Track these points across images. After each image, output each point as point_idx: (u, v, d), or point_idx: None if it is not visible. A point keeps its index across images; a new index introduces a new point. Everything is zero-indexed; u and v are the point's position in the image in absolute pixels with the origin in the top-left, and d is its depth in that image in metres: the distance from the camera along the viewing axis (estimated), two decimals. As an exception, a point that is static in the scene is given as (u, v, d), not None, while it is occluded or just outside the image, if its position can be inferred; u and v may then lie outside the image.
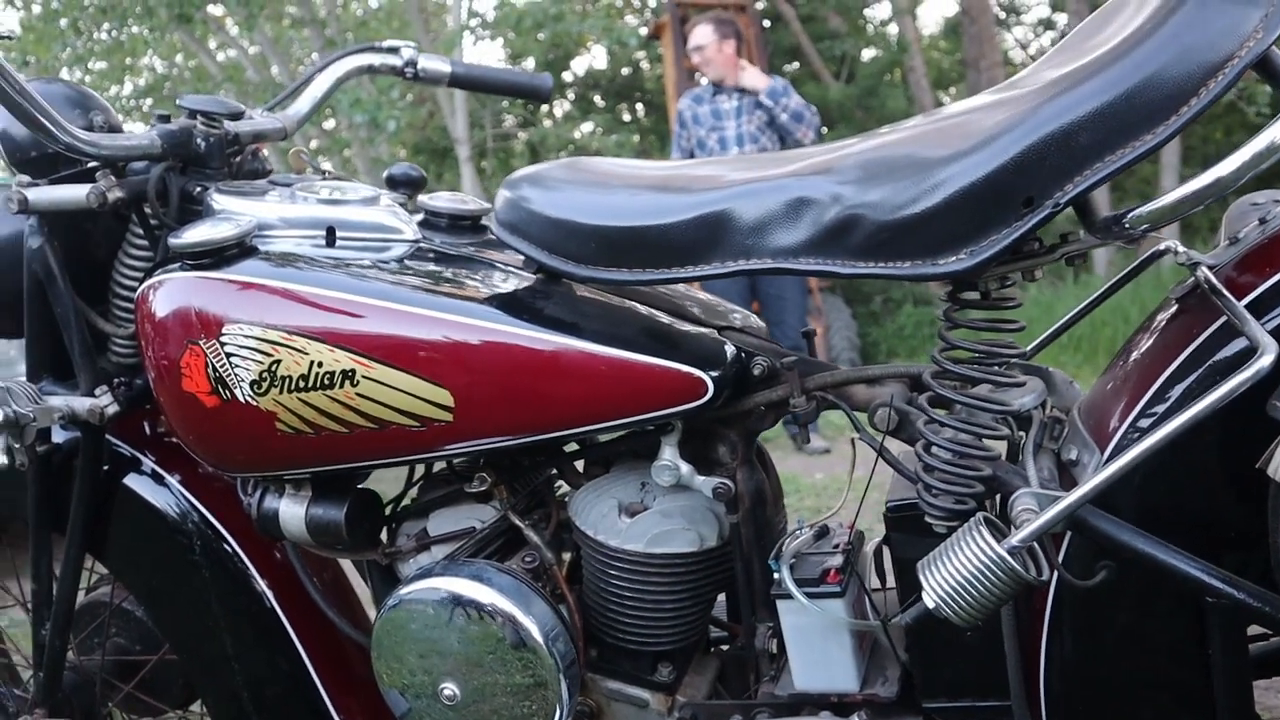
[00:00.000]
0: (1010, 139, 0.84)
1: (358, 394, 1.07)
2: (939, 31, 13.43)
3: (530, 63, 11.09)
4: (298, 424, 1.10)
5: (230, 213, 1.21)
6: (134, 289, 1.34)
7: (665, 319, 1.13)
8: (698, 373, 1.04)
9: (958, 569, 0.87)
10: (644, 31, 10.87)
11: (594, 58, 12.62)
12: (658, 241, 1.00)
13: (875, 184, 0.91)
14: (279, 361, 1.09)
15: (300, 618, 1.39)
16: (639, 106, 12.30)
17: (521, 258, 1.17)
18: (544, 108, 11.33)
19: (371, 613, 1.45)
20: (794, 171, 0.97)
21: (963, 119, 0.92)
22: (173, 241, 1.16)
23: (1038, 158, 0.83)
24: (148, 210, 1.29)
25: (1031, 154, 0.83)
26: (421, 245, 1.22)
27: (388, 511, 1.29)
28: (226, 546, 1.39)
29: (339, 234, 1.21)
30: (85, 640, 1.58)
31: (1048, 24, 13.24)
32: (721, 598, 1.32)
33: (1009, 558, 0.85)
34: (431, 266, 1.17)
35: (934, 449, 0.98)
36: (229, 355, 1.10)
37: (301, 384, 1.08)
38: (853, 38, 10.76)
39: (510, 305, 1.09)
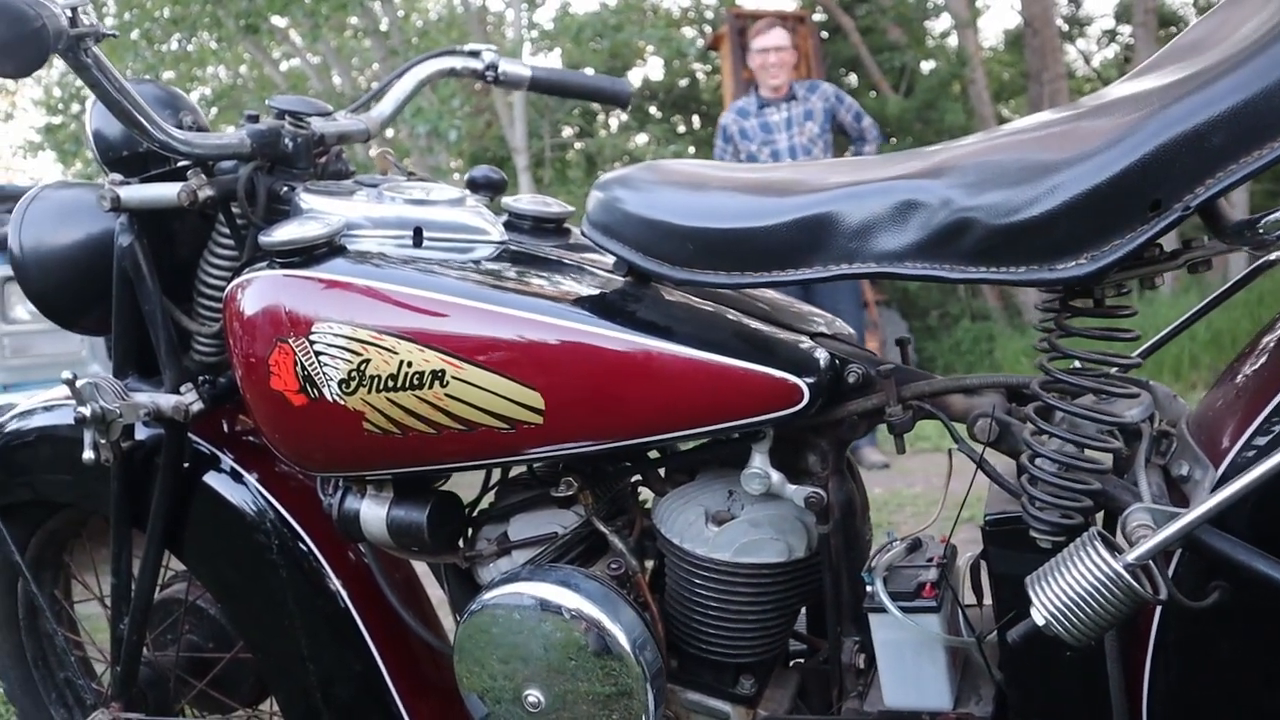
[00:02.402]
0: (1138, 139, 0.81)
1: (447, 395, 1.06)
2: (1000, 44, 13.29)
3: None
4: (385, 424, 1.09)
5: (318, 212, 1.21)
6: (219, 288, 1.35)
7: (757, 324, 1.11)
8: (793, 379, 1.02)
9: (1071, 585, 0.83)
10: (701, 43, 10.89)
11: (650, 69, 12.64)
12: (758, 244, 0.98)
13: (989, 186, 0.88)
14: (368, 361, 1.08)
15: (374, 619, 1.39)
16: (695, 118, 12.29)
17: (610, 261, 1.15)
18: (600, 118, 11.37)
19: (444, 618, 1.45)
20: (900, 174, 0.95)
21: (1079, 122, 0.89)
22: (263, 240, 1.16)
23: (1167, 159, 0.80)
24: (235, 209, 1.30)
25: (1160, 155, 0.80)
26: (508, 246, 1.21)
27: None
28: (303, 546, 1.39)
29: (426, 234, 1.20)
30: (159, 636, 1.59)
31: (1112, 36, 13.05)
32: (802, 611, 1.29)
33: (1126, 574, 0.82)
34: (520, 267, 1.16)
35: (1040, 461, 0.95)
36: (318, 354, 1.10)
37: (390, 384, 1.07)
38: (912, 50, 10.65)
39: (602, 307, 1.07)
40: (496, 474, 1.30)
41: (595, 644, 1.04)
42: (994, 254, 0.88)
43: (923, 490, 3.96)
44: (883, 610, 1.04)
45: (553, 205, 1.31)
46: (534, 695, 1.07)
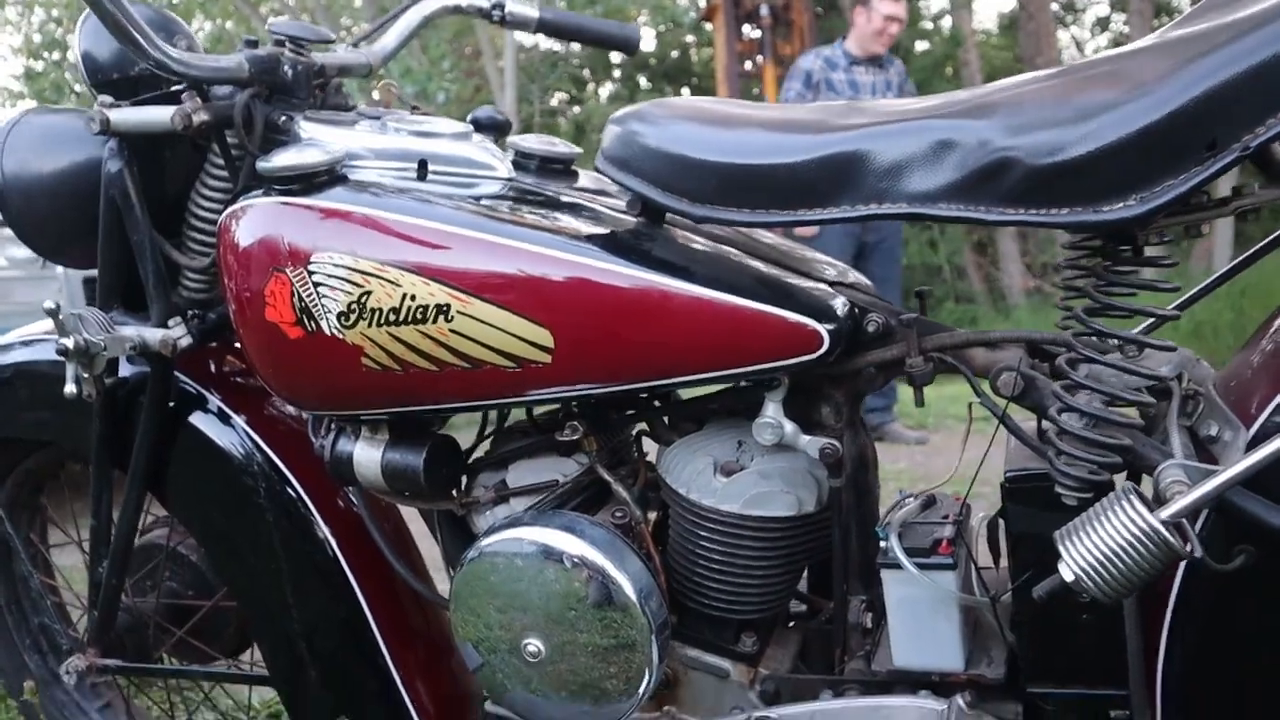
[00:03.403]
0: (1198, 74, 0.77)
1: (451, 330, 1.02)
2: (995, 27, 13.24)
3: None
4: (385, 359, 1.04)
5: (318, 141, 1.16)
6: (210, 219, 1.30)
7: (774, 268, 1.07)
8: (813, 324, 0.98)
9: (1103, 540, 0.80)
10: (694, 14, 10.79)
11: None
12: (784, 180, 0.94)
13: (1032, 126, 0.84)
14: (369, 293, 1.03)
15: (362, 568, 1.35)
16: (685, 90, 12.21)
17: (623, 200, 1.11)
18: (590, 86, 11.27)
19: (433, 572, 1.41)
20: (935, 113, 0.91)
21: (1128, 62, 0.85)
22: (261, 165, 1.11)
23: (1229, 95, 0.76)
24: (230, 138, 1.24)
25: (1222, 91, 0.76)
26: (516, 183, 1.16)
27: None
28: (291, 491, 1.34)
29: (430, 168, 1.15)
30: (139, 582, 1.54)
31: (1105, 24, 13.02)
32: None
33: (1163, 529, 0.78)
34: (530, 204, 1.11)
35: (1068, 415, 0.92)
36: (316, 285, 1.05)
37: (392, 317, 1.03)
38: (907, 29, 10.59)
39: (615, 245, 1.03)
40: (494, 420, 1.26)
41: (599, 593, 1.00)
42: (1035, 195, 0.84)
43: (944, 466, 3.96)
44: (897, 567, 1.01)
45: (559, 145, 1.26)
46: (533, 645, 1.03)
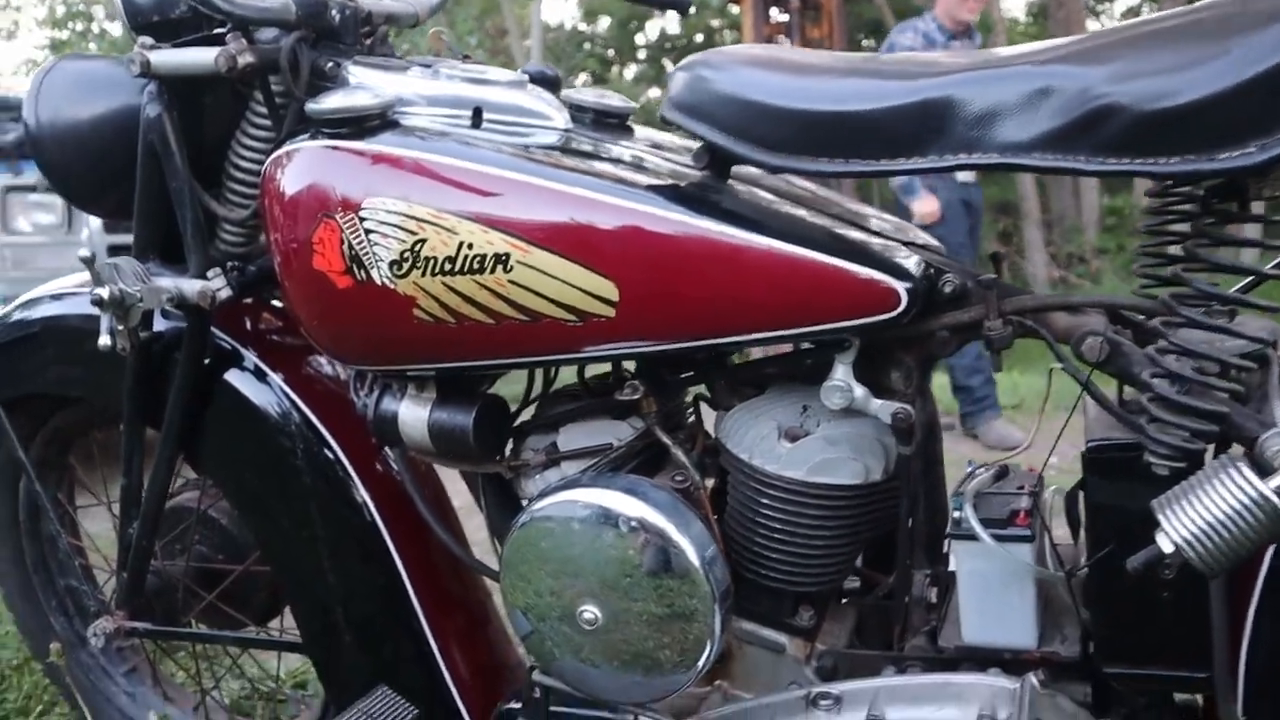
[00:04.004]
0: None
1: (510, 281, 0.97)
2: (1024, 14, 13.11)
3: (605, 22, 10.96)
4: (438, 311, 1.00)
5: (368, 85, 1.12)
6: (251, 169, 1.26)
7: (845, 225, 1.02)
8: (891, 282, 0.93)
9: (1208, 510, 0.76)
10: (721, -4, 10.69)
11: (668, 21, 12.45)
12: (867, 128, 0.89)
13: (1140, 72, 0.79)
14: (424, 241, 0.99)
15: (400, 533, 1.31)
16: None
17: (683, 156, 1.06)
18: (614, 69, 11.20)
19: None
20: (1031, 58, 0.86)
21: (1238, 8, 0.80)
22: (310, 108, 1.07)
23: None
24: (274, 84, 1.20)
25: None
26: (573, 134, 1.12)
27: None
28: (329, 452, 1.30)
29: (485, 116, 1.11)
30: (168, 545, 1.51)
31: (1134, 13, 12.88)
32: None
33: (1275, 498, 0.74)
34: (591, 153, 1.06)
35: (1161, 381, 0.87)
36: (367, 231, 1.01)
37: (447, 266, 0.98)
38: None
39: (684, 196, 0.98)
40: (544, 382, 1.22)
41: (661, 559, 0.96)
42: (1141, 143, 0.79)
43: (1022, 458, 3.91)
44: (971, 538, 0.96)
45: (614, 99, 1.21)
46: (589, 612, 0.99)
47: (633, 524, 0.96)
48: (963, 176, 4.07)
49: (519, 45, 8.65)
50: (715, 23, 12.15)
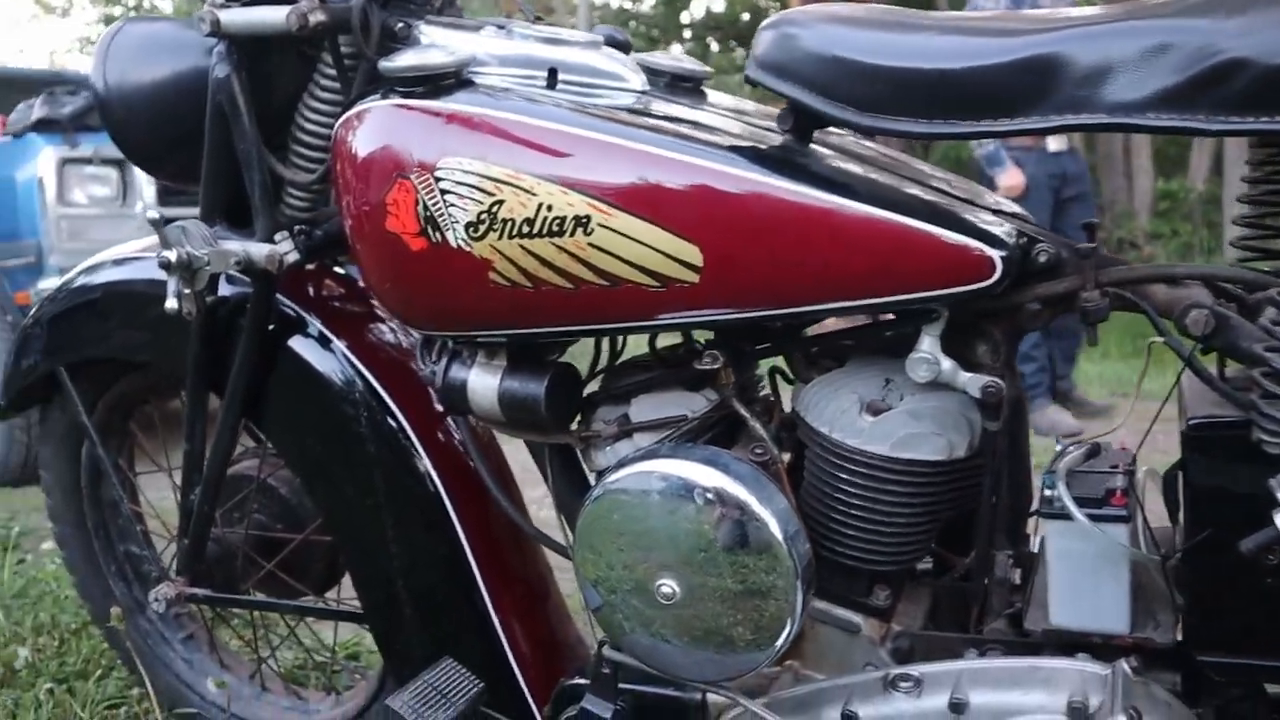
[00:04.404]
0: None
1: (590, 244, 0.94)
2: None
3: (649, 1, 10.87)
4: (515, 275, 0.98)
5: (441, 44, 1.09)
6: (318, 131, 1.24)
7: (933, 192, 0.98)
8: (985, 249, 0.90)
9: (1335, 490, 0.72)
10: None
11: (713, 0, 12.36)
12: (968, 88, 0.85)
13: (1265, 24, 0.75)
14: (501, 202, 0.96)
15: (463, 503, 1.29)
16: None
17: (763, 120, 1.03)
18: (659, 46, 11.11)
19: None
20: (1144, 13, 0.81)
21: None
22: (385, 65, 1.04)
23: None
24: (343, 44, 1.18)
25: None
26: (650, 96, 1.09)
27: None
28: (393, 421, 1.29)
29: (560, 76, 1.08)
30: (227, 513, 1.50)
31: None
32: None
33: (1407, 480, 0.70)
34: (670, 115, 1.03)
35: (1275, 355, 0.83)
36: (444, 192, 0.98)
37: (526, 229, 0.96)
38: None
39: (771, 159, 0.95)
40: (613, 353, 1.19)
41: (742, 532, 0.93)
42: (1268, 101, 0.75)
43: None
44: (1064, 517, 0.92)
45: (688, 63, 1.18)
46: (666, 586, 0.96)
47: (713, 496, 0.93)
48: (1054, 145, 3.91)
49: (566, 24, 8.60)
50: (763, 2, 12.03)
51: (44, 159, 3.89)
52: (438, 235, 0.99)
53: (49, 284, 3.80)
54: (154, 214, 1.20)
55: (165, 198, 4.07)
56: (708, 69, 1.20)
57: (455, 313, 1.04)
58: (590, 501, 0.99)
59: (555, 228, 0.95)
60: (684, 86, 1.16)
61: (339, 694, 1.62)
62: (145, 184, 4.05)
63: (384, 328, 1.38)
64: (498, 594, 1.29)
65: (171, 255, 1.20)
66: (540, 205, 0.95)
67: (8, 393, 1.61)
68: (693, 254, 0.92)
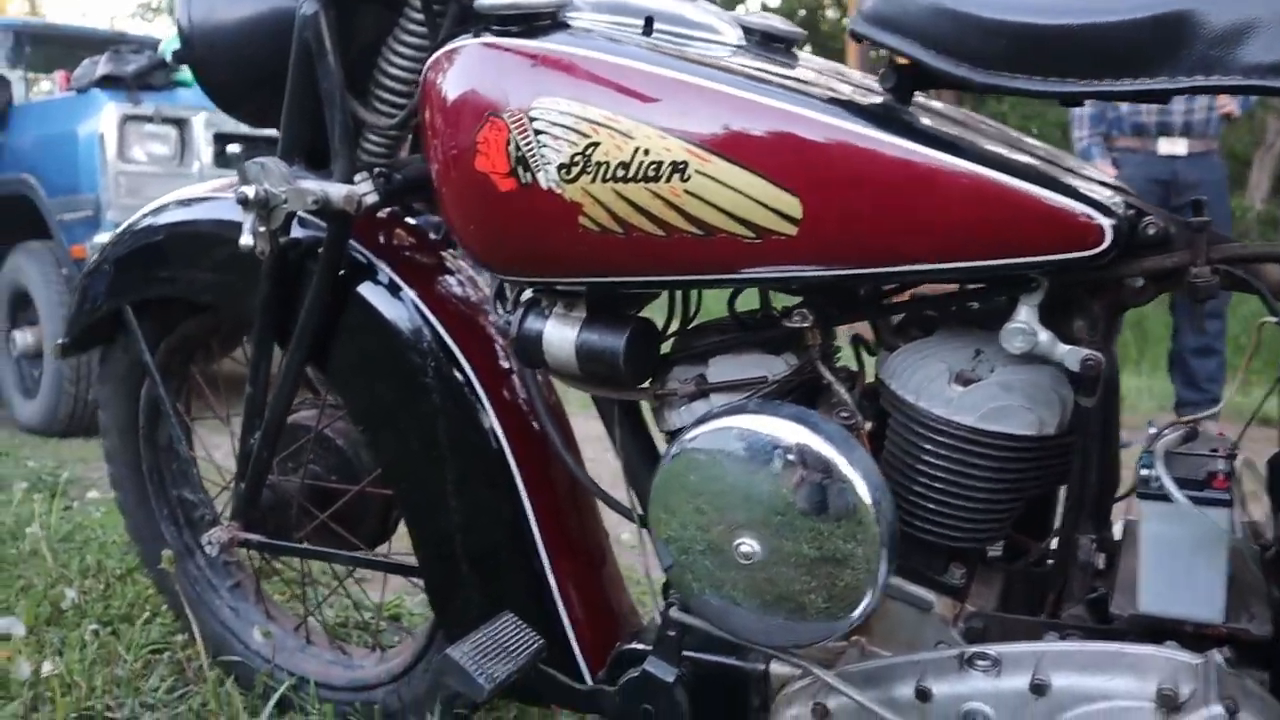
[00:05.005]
0: None
1: (686, 190, 0.92)
2: None
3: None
4: (606, 220, 0.95)
5: None
6: (401, 74, 1.23)
7: (1038, 158, 0.95)
8: (1096, 216, 0.86)
9: None
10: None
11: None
12: (1094, 43, 0.82)
13: None
14: (597, 145, 0.94)
15: (525, 462, 1.27)
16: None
17: (861, 79, 1.00)
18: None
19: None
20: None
21: None
22: (481, 3, 1.02)
23: None
24: None
25: None
26: (746, 51, 1.06)
27: None
28: (458, 373, 1.27)
29: (656, 25, 1.05)
30: (282, 462, 1.50)
31: None
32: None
33: None
34: (769, 68, 1.00)
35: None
36: (537, 133, 0.96)
37: (620, 173, 0.93)
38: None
39: (874, 115, 0.92)
40: (680, 313, 1.17)
41: (828, 494, 0.90)
42: None
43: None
44: (1162, 499, 0.89)
45: (780, 22, 1.15)
46: (746, 546, 0.93)
47: (801, 454, 0.90)
48: (1165, 148, 3.78)
49: None
50: (818, -1, 11.96)
51: (106, 115, 3.92)
52: (528, 176, 0.97)
53: (105, 238, 3.83)
54: (235, 148, 1.19)
55: (222, 159, 4.10)
56: (801, 30, 1.17)
57: (540, 257, 1.02)
58: (670, 458, 0.97)
59: (651, 173, 0.92)
60: (776, 47, 1.13)
61: (383, 650, 1.61)
62: (202, 144, 4.08)
63: (453, 280, 1.36)
64: (556, 555, 1.27)
65: (250, 191, 1.19)
66: (637, 149, 0.93)
67: (71, 331, 1.62)
68: (792, 205, 0.90)
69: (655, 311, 1.16)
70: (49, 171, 4.07)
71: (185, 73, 4.26)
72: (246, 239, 1.20)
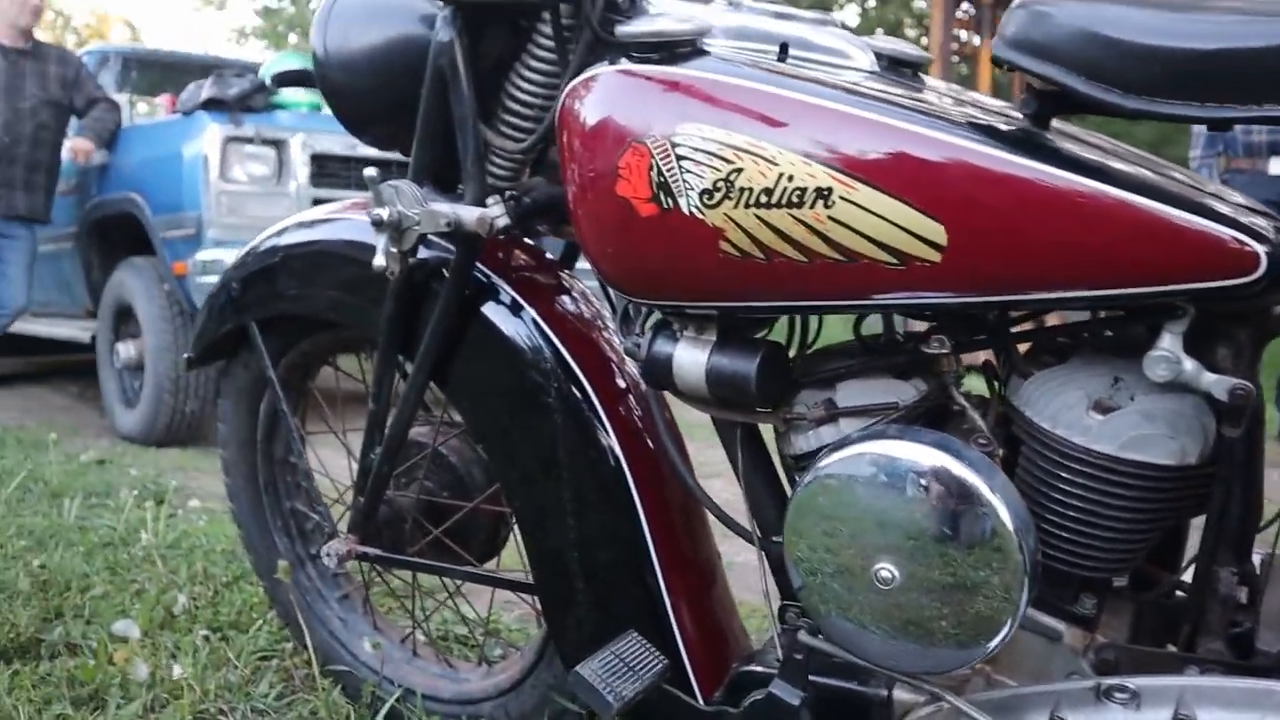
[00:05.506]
0: None
1: (830, 217, 0.93)
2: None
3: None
4: (747, 245, 0.97)
5: (672, 13, 1.09)
6: (530, 99, 1.26)
7: (1183, 183, 0.94)
8: (1250, 243, 0.85)
9: None
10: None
11: (845, 14, 12.24)
12: (1251, 68, 0.81)
13: None
14: (740, 170, 0.95)
15: (643, 482, 1.29)
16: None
17: (993, 102, 1.00)
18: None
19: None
20: None
21: None
22: (622, 30, 1.05)
23: None
24: (563, 15, 1.19)
25: None
26: (880, 76, 1.07)
27: None
28: (578, 391, 1.29)
29: (791, 52, 1.07)
30: (395, 477, 1.53)
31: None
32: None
33: None
34: (905, 93, 1.01)
35: None
36: (680, 159, 0.98)
37: (763, 199, 0.95)
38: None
39: (1017, 140, 0.92)
40: (800, 341, 1.17)
41: (972, 523, 0.90)
42: None
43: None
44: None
45: (908, 47, 1.16)
46: (885, 571, 0.93)
47: (945, 481, 0.90)
48: (1276, 169, 3.70)
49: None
50: (892, 16, 11.90)
51: (210, 136, 4.05)
52: (670, 201, 0.99)
53: (207, 255, 3.96)
54: (371, 171, 1.23)
55: (318, 179, 4.20)
56: (927, 54, 1.18)
57: (677, 280, 1.03)
58: (811, 481, 0.97)
59: (795, 199, 0.93)
60: (904, 70, 1.14)
61: (489, 665, 1.63)
62: (299, 164, 4.19)
63: (570, 299, 1.39)
64: (671, 575, 1.28)
65: (384, 213, 1.22)
66: (781, 175, 0.94)
67: (198, 345, 1.67)
68: (937, 232, 0.90)
69: (775, 334, 1.17)
70: (154, 190, 4.21)
71: (283, 95, 4.39)
72: (380, 260, 1.24)
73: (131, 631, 1.88)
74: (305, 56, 5.73)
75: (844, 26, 1.21)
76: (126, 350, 4.37)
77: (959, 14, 8.91)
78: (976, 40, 8.55)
